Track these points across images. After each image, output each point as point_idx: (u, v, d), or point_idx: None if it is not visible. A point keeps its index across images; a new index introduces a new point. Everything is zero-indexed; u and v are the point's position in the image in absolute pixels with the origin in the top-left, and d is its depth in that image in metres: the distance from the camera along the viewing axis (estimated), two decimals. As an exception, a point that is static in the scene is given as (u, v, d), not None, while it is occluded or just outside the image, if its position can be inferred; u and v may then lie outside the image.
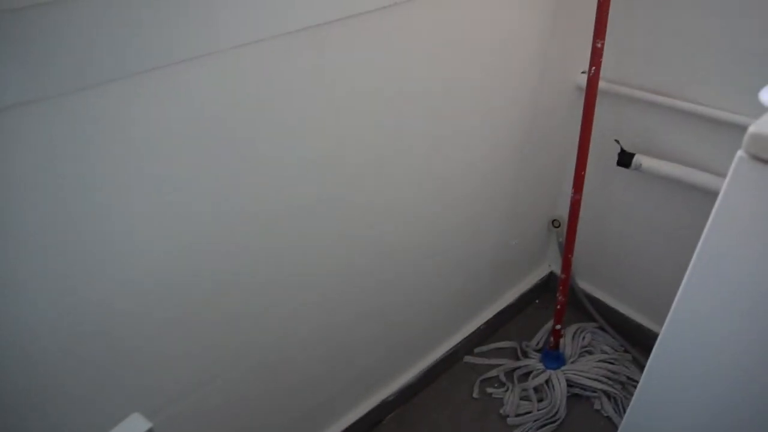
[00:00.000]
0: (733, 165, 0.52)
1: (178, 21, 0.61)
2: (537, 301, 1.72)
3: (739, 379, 0.64)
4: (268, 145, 0.80)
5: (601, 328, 1.58)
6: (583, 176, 1.27)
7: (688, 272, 0.62)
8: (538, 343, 1.58)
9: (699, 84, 1.14)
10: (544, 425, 1.38)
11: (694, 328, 0.65)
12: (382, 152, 0.98)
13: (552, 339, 1.51)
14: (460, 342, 1.52)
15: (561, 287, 1.44)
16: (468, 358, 1.56)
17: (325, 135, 0.87)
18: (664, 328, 0.68)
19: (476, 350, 1.58)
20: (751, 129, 0.49)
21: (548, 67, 1.22)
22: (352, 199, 0.98)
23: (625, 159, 1.29)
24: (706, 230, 0.58)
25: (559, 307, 1.46)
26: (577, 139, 1.23)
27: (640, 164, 1.27)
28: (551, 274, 1.72)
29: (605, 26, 1.09)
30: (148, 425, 0.58)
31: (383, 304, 1.21)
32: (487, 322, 1.57)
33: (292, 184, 0.86)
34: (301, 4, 0.71)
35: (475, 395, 1.47)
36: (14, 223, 0.60)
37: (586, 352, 1.53)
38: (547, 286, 1.73)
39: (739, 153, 0.51)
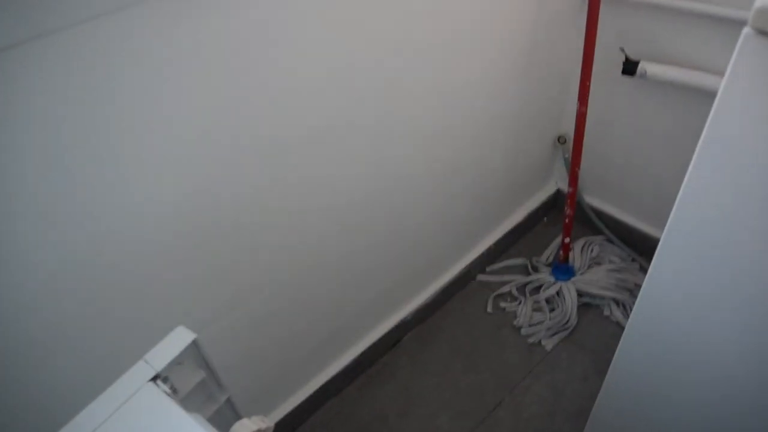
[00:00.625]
0: (739, 42, 0.53)
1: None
2: (545, 218, 1.76)
3: (742, 276, 0.67)
4: (283, 69, 0.80)
5: (609, 240, 1.62)
6: (588, 87, 1.27)
7: (693, 161, 0.64)
8: (548, 258, 1.63)
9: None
10: (557, 333, 1.44)
11: (695, 227, 0.68)
12: (393, 74, 0.99)
13: (561, 253, 1.55)
14: (472, 261, 1.56)
15: (569, 201, 1.46)
16: (481, 277, 1.61)
17: (336, 57, 0.87)
18: (665, 229, 0.70)
19: (488, 268, 1.62)
20: (758, 3, 0.49)
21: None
22: (364, 123, 0.99)
23: (630, 67, 1.28)
24: (711, 114, 0.59)
25: (567, 221, 1.49)
26: (581, 52, 1.22)
27: (645, 71, 1.26)
28: (558, 191, 1.74)
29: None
30: (193, 336, 0.63)
31: (398, 228, 1.25)
32: (498, 241, 1.61)
33: (306, 108, 0.87)
34: None
35: (489, 310, 1.53)
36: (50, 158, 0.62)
37: (595, 263, 1.58)
38: (554, 202, 1.76)
39: (746, 30, 0.52)
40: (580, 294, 1.51)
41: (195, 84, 0.72)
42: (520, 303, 1.53)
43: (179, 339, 0.63)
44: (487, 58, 1.18)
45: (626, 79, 1.32)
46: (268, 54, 0.78)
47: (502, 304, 1.54)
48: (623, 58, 1.28)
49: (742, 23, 0.49)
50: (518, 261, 1.64)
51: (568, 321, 1.46)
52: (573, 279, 1.53)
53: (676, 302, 0.77)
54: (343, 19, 0.85)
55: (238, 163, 0.84)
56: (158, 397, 0.58)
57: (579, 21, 1.24)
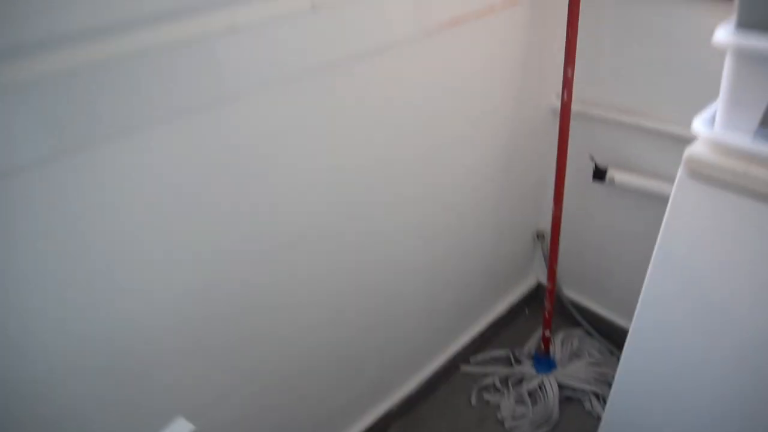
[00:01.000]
0: (676, 182, 0.62)
1: (175, 79, 0.71)
2: (527, 310, 1.82)
3: (699, 371, 0.74)
4: (276, 176, 0.89)
5: (588, 333, 1.68)
6: (562, 191, 1.38)
7: (647, 276, 0.72)
8: (529, 350, 1.67)
9: (662, 104, 1.25)
10: (539, 427, 1.47)
11: (656, 325, 0.75)
12: (381, 181, 1.08)
13: (542, 345, 1.60)
14: (456, 352, 1.60)
15: (548, 296, 1.53)
16: (465, 368, 1.64)
17: (329, 163, 0.97)
18: (631, 328, 0.78)
19: (472, 359, 1.66)
20: (686, 152, 0.59)
21: (526, 93, 1.34)
22: (356, 226, 1.08)
23: (599, 174, 1.40)
24: (659, 237, 0.68)
25: (547, 314, 1.55)
26: (555, 158, 1.34)
27: (613, 178, 1.38)
28: (539, 285, 1.81)
29: (574, 55, 1.21)
30: (191, 428, 0.67)
31: (385, 319, 1.30)
32: (481, 333, 1.66)
33: (300, 214, 0.96)
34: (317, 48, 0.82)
35: (473, 402, 1.55)
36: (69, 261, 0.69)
37: (575, 356, 1.63)
38: (535, 295, 1.83)
39: (680, 172, 0.62)
40: (561, 387, 1.54)
41: (195, 194, 0.81)
42: (503, 395, 1.56)
43: (178, 430, 0.67)
44: (470, 163, 1.29)
45: (597, 184, 1.44)
46: (264, 168, 0.88)
47: (486, 396, 1.56)
48: (593, 166, 1.40)
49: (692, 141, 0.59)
50: (501, 352, 1.68)
51: (551, 415, 1.48)
52: (554, 372, 1.57)
53: (646, 395, 0.83)
54: (335, 139, 0.95)
55: (235, 264, 0.91)
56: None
57: (553, 131, 1.37)
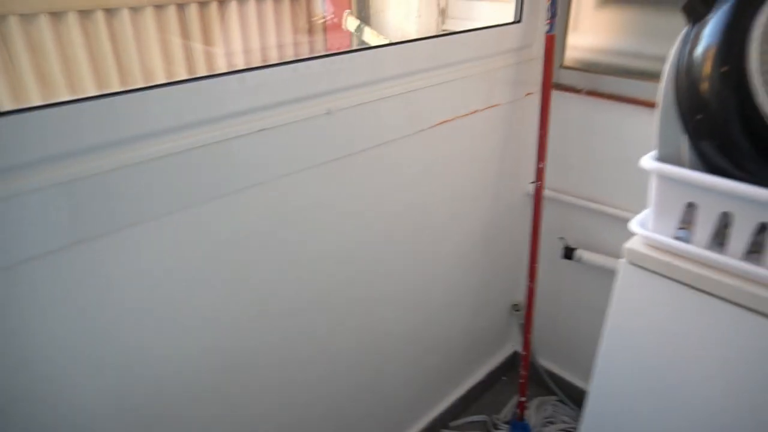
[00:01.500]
0: (620, 268, 0.78)
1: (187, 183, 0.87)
2: (504, 377, 1.93)
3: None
4: (284, 253, 1.04)
5: (561, 401, 1.79)
6: (535, 267, 1.53)
7: (600, 347, 0.86)
8: (506, 416, 1.77)
9: (620, 194, 1.44)
10: (515, 490, 1.55)
11: (609, 391, 0.88)
12: (374, 256, 1.23)
13: (518, 411, 1.70)
14: (437, 416, 1.69)
15: (523, 364, 1.66)
16: (445, 432, 1.73)
17: (332, 241, 1.11)
18: (589, 394, 0.91)
19: (451, 424, 1.75)
20: (625, 246, 0.75)
21: (504, 181, 1.52)
22: (349, 294, 1.21)
23: (568, 253, 1.56)
24: (608, 313, 0.82)
25: (522, 381, 1.67)
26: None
27: (581, 257, 1.54)
28: (515, 354, 1.93)
29: (545, 150, 1.40)
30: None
31: (371, 382, 1.41)
32: (461, 398, 1.76)
33: (300, 285, 1.09)
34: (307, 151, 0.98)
35: (452, 466, 1.63)
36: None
37: (549, 422, 1.73)
38: (512, 364, 1.94)
39: (622, 260, 0.77)
40: (536, 452, 1.64)
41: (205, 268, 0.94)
42: (481, 459, 1.64)
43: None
44: (453, 241, 1.45)
45: (567, 261, 1.60)
46: (275, 246, 1.02)
47: (465, 460, 1.65)
48: (563, 246, 1.57)
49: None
50: (479, 417, 1.78)
51: (525, 479, 1.57)
52: (529, 437, 1.67)
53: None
54: (338, 219, 1.11)
55: (241, 329, 1.03)
56: None
57: (528, 214, 1.54)
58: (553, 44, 1.32)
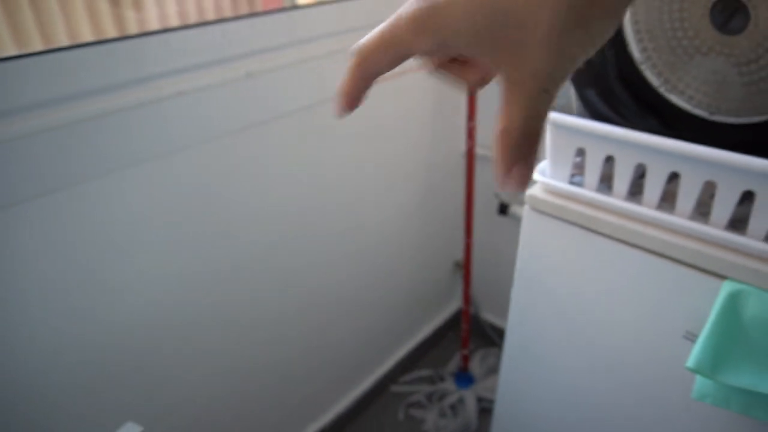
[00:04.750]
0: (524, 214, 0.83)
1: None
2: (450, 333, 2.00)
3: (563, 366, 0.94)
4: (223, 212, 1.05)
5: (504, 351, 1.88)
6: (471, 224, 1.59)
7: (513, 290, 0.92)
8: (451, 369, 1.85)
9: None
10: (459, 436, 1.63)
11: (524, 328, 0.95)
12: (313, 218, 1.25)
13: (462, 363, 1.78)
14: (385, 373, 1.76)
15: (464, 318, 1.73)
16: (394, 387, 1.80)
17: (266, 204, 1.13)
18: (506, 332, 0.97)
19: (400, 379, 1.82)
20: (527, 192, 0.80)
21: (438, 141, 1.55)
22: (290, 255, 1.24)
23: (503, 209, 1.62)
24: (517, 257, 0.88)
25: (464, 335, 1.74)
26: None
27: (515, 213, 1.60)
28: (460, 310, 2.01)
29: (474, 109, 1.44)
30: (140, 429, 0.80)
31: (317, 343, 1.45)
32: (408, 355, 1.83)
33: (240, 244, 1.11)
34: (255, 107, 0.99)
35: (400, 418, 1.71)
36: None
37: (492, 372, 1.81)
38: (458, 320, 2.02)
39: (525, 207, 0.82)
40: (479, 399, 1.72)
41: (158, 224, 0.96)
42: (428, 410, 1.72)
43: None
44: (391, 201, 1.49)
45: (503, 217, 1.66)
46: (211, 204, 1.03)
47: (413, 412, 1.72)
48: (498, 202, 1.63)
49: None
50: (426, 372, 1.85)
51: (469, 426, 1.66)
52: (473, 387, 1.75)
53: (525, 384, 1.02)
54: (272, 182, 1.12)
55: (189, 285, 1.05)
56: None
57: (463, 172, 1.58)
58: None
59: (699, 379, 0.68)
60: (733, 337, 0.64)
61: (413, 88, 1.39)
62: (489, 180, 1.66)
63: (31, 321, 0.85)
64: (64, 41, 0.91)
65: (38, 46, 0.88)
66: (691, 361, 0.65)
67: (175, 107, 0.90)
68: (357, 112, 1.05)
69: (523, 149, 0.25)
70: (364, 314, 1.58)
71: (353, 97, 0.29)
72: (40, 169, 0.78)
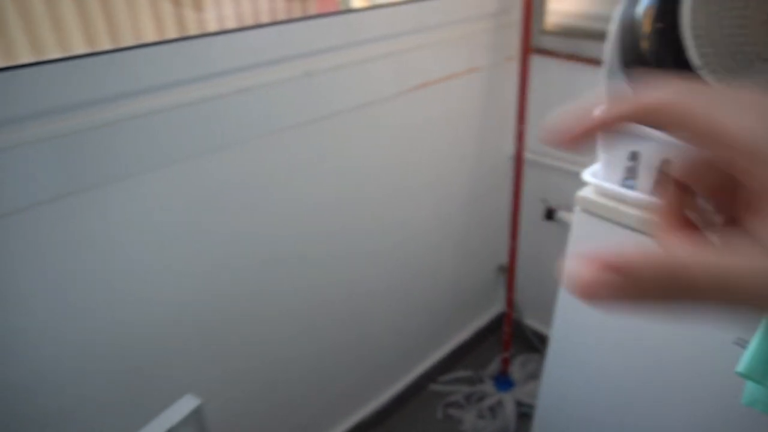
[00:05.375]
0: (574, 215, 0.84)
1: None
2: (491, 336, 2.01)
3: (608, 360, 0.94)
4: (271, 205, 1.10)
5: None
6: (517, 228, 1.60)
7: (559, 291, 0.92)
8: (491, 372, 1.86)
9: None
10: (497, 438, 1.64)
11: (570, 327, 0.95)
12: (359, 213, 1.29)
13: (502, 366, 1.78)
14: (425, 371, 1.78)
15: (506, 321, 1.73)
16: (433, 386, 1.82)
17: (316, 196, 1.18)
18: (552, 331, 0.98)
19: (439, 379, 1.84)
20: (577, 194, 0.81)
21: (486, 143, 1.57)
22: (335, 249, 1.28)
23: (549, 214, 1.62)
24: (566, 257, 0.89)
25: (506, 338, 1.74)
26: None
27: (562, 218, 1.60)
28: (502, 314, 2.01)
29: (524, 112, 1.45)
30: (198, 402, 0.85)
31: (356, 338, 1.49)
32: (448, 355, 1.85)
33: (285, 237, 1.16)
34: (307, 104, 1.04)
35: (438, 417, 1.72)
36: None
37: (532, 377, 1.81)
38: (499, 324, 2.02)
39: (576, 208, 0.83)
40: (518, 404, 1.72)
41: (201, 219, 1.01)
42: (466, 411, 1.73)
43: (185, 405, 0.85)
44: (437, 201, 1.51)
45: (549, 222, 1.66)
46: (261, 199, 1.08)
47: (451, 412, 1.74)
48: (544, 207, 1.63)
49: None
50: (466, 373, 1.86)
51: (507, 429, 1.66)
52: (512, 390, 1.75)
53: (569, 383, 1.02)
54: (323, 176, 1.17)
55: (228, 279, 1.11)
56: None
57: (510, 175, 1.59)
58: (531, 9, 1.36)
59: (749, 385, 0.68)
60: (786, 344, 0.64)
61: (463, 88, 1.41)
62: (535, 184, 1.66)
63: (100, 305, 0.91)
64: (130, 41, 0.97)
65: (107, 46, 0.95)
66: (741, 366, 0.65)
67: (235, 104, 0.96)
68: (405, 110, 1.09)
69: (648, 290, 0.21)
70: (402, 312, 1.60)
71: (580, 139, 0.25)
72: (129, 152, 0.84)
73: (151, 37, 1.01)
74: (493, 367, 1.88)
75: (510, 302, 1.70)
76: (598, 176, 0.81)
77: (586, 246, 0.85)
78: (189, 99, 0.89)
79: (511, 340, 1.75)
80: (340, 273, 1.34)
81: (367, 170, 1.26)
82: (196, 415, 0.85)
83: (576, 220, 0.84)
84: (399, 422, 1.71)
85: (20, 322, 0.84)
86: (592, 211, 0.81)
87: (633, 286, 0.21)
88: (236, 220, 1.06)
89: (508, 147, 1.66)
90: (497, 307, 2.02)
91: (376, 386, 1.66)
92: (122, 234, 0.90)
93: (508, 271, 1.66)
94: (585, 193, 0.81)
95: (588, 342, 0.93)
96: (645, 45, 0.70)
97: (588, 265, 0.22)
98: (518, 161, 1.51)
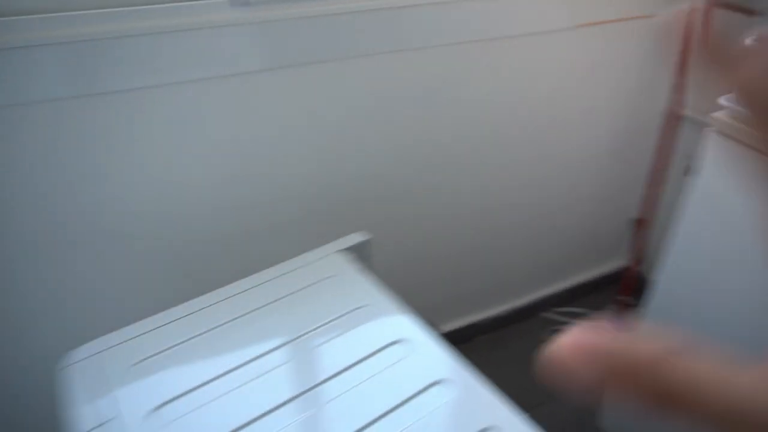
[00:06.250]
0: (707, 138, 0.96)
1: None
2: (612, 285, 2.10)
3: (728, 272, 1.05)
4: (442, 107, 1.33)
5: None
6: (660, 183, 1.67)
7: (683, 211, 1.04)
8: (606, 315, 1.97)
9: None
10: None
11: (692, 239, 1.07)
12: (498, 136, 1.48)
13: (618, 311, 1.89)
14: (541, 298, 1.94)
15: (632, 269, 1.82)
16: (547, 314, 1.98)
17: (482, 110, 1.39)
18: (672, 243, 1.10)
19: (554, 309, 1.99)
20: (713, 114, 0.93)
21: (639, 94, 1.65)
22: (490, 159, 1.49)
23: (688, 170, 1.67)
24: (694, 182, 1.01)
25: (627, 282, 1.84)
26: (654, 155, 1.64)
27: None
28: (626, 266, 2.08)
29: (686, 66, 1.51)
30: (368, 236, 1.11)
31: (492, 248, 1.69)
32: (567, 290, 1.99)
33: (454, 142, 1.39)
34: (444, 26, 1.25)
35: (546, 341, 1.88)
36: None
37: (645, 326, 1.89)
38: (620, 274, 2.10)
39: (708, 129, 0.95)
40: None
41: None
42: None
43: (355, 238, 1.12)
44: (582, 143, 1.64)
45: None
46: (435, 101, 1.31)
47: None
48: (688, 166, 1.67)
49: None
50: (580, 310, 2.00)
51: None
52: (623, 333, 1.86)
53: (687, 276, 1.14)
54: (490, 93, 1.37)
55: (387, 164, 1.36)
56: (346, 263, 1.06)
57: (655, 136, 1.67)
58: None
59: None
60: None
61: (626, 34, 1.50)
62: (690, 144, 1.70)
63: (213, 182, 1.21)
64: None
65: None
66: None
67: (427, 13, 1.18)
68: (575, 45, 1.28)
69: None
70: (535, 238, 1.77)
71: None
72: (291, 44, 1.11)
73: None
74: (609, 312, 1.98)
75: (640, 253, 1.79)
76: (732, 100, 0.92)
77: (717, 168, 0.96)
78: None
79: (631, 288, 1.85)
80: (479, 179, 1.54)
81: (527, 97, 1.44)
82: (364, 246, 1.12)
83: (710, 142, 0.96)
84: (511, 334, 1.90)
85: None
86: (725, 132, 0.93)
87: (610, 375, 0.19)
88: (404, 117, 1.30)
89: (659, 101, 1.71)
90: (621, 258, 2.10)
91: (497, 298, 1.87)
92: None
93: (641, 223, 1.74)
94: (720, 115, 0.93)
95: (712, 252, 1.04)
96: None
97: (571, 346, 0.21)
98: (673, 115, 1.57)
